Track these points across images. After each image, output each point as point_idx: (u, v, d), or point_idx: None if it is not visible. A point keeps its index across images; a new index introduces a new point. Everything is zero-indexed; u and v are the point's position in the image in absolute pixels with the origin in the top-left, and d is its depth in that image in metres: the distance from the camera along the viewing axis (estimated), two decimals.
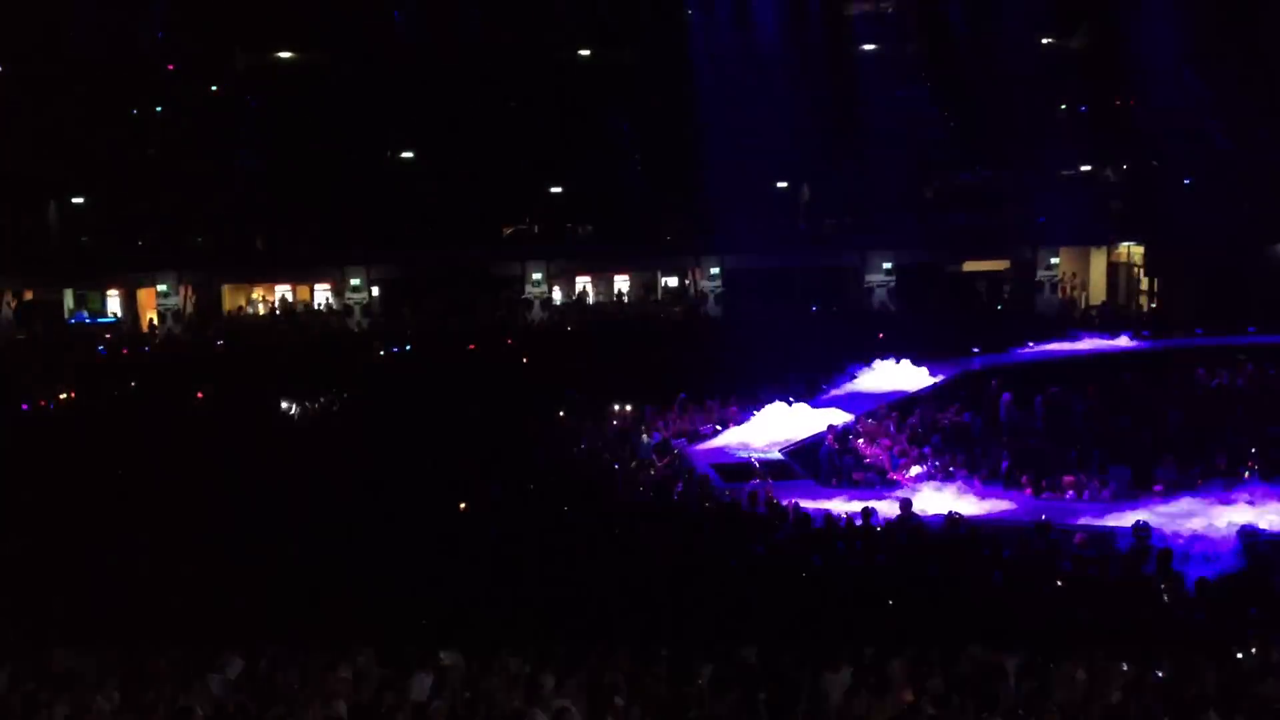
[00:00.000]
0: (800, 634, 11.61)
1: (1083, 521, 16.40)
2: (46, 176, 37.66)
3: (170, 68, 42.59)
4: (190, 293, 39.35)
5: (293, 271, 41.35)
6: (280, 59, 43.84)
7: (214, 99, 42.79)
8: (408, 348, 33.56)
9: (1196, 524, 15.82)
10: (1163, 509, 16.56)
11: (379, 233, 39.21)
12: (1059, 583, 13.86)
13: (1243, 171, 38.69)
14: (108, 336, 36.70)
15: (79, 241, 38.92)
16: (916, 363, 27.46)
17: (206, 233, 39.57)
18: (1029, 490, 18.69)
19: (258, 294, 42.50)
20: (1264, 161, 39.55)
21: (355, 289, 39.46)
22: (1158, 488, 17.96)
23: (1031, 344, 30.20)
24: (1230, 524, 15.44)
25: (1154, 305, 38.59)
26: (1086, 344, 29.98)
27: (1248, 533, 14.73)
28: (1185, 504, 16.83)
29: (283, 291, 42.31)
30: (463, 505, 17.29)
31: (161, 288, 38.34)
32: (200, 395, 26.39)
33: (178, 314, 38.41)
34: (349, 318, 39.10)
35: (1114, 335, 30.94)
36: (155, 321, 38.40)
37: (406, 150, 42.33)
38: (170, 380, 28.27)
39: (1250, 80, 41.65)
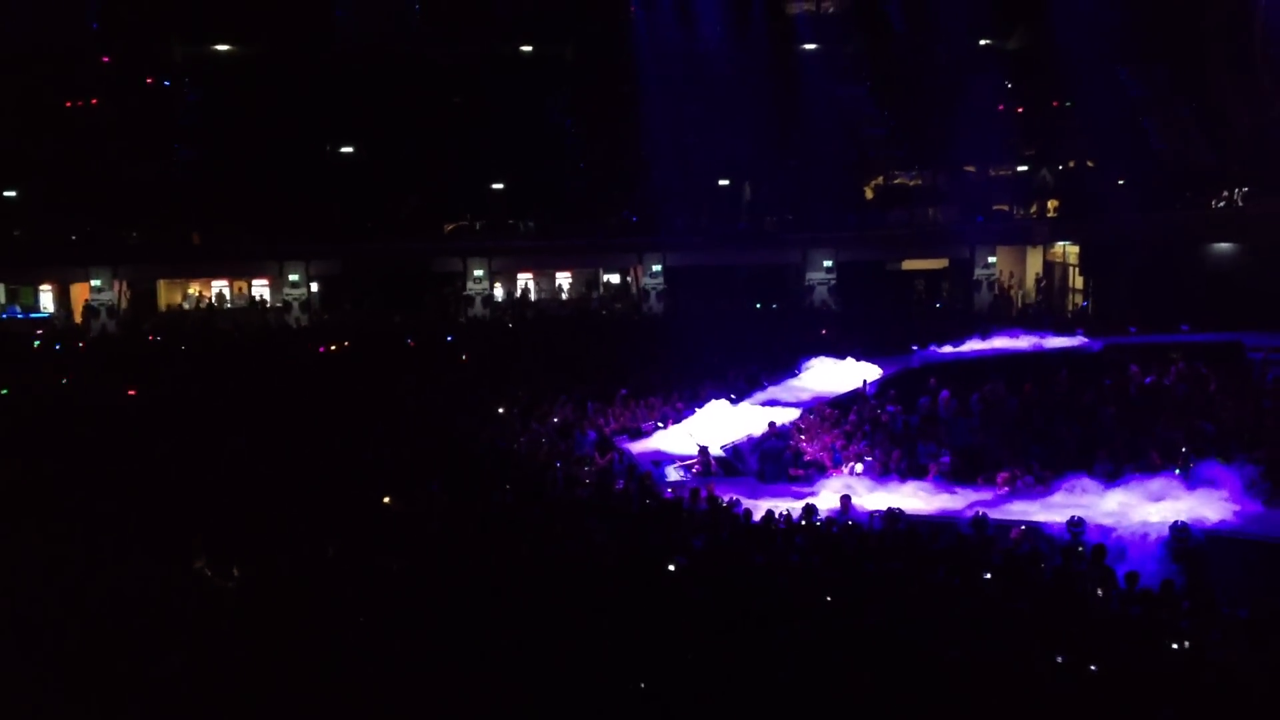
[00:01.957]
0: (741, 631, 11.64)
1: (1019, 517, 16.57)
2: None
3: (105, 59, 42.05)
4: (125, 288, 38.81)
5: (230, 267, 40.85)
6: (218, 51, 43.46)
7: (150, 91, 42.28)
8: (346, 344, 33.24)
9: (1129, 520, 16.08)
10: (1096, 505, 16.80)
11: (318, 228, 38.84)
12: (992, 577, 13.99)
13: (1176, 172, 39.34)
14: (39, 332, 36.10)
15: (11, 235, 38.17)
16: (858, 359, 27.67)
17: (142, 227, 38.95)
18: (966, 485, 18.86)
19: (194, 289, 41.98)
20: (1197, 162, 40.28)
21: (294, 284, 39.08)
22: (1092, 481, 18.14)
23: (968, 341, 30.44)
24: (1162, 520, 15.68)
25: (1086, 304, 39.07)
26: (1022, 341, 30.23)
27: (1179, 528, 14.95)
28: (1118, 499, 17.10)
29: (220, 287, 41.84)
30: (387, 500, 17.11)
31: (95, 282, 37.79)
32: (133, 392, 25.98)
33: (112, 309, 37.87)
34: (287, 314, 38.73)
35: (1054, 333, 31.18)
36: (90, 317, 37.83)
37: (347, 144, 42.02)
38: (103, 376, 27.81)
39: (1183, 81, 42.41)
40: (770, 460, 20.85)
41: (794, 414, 23.61)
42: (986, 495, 18.13)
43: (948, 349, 29.78)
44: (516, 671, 10.58)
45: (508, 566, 13.68)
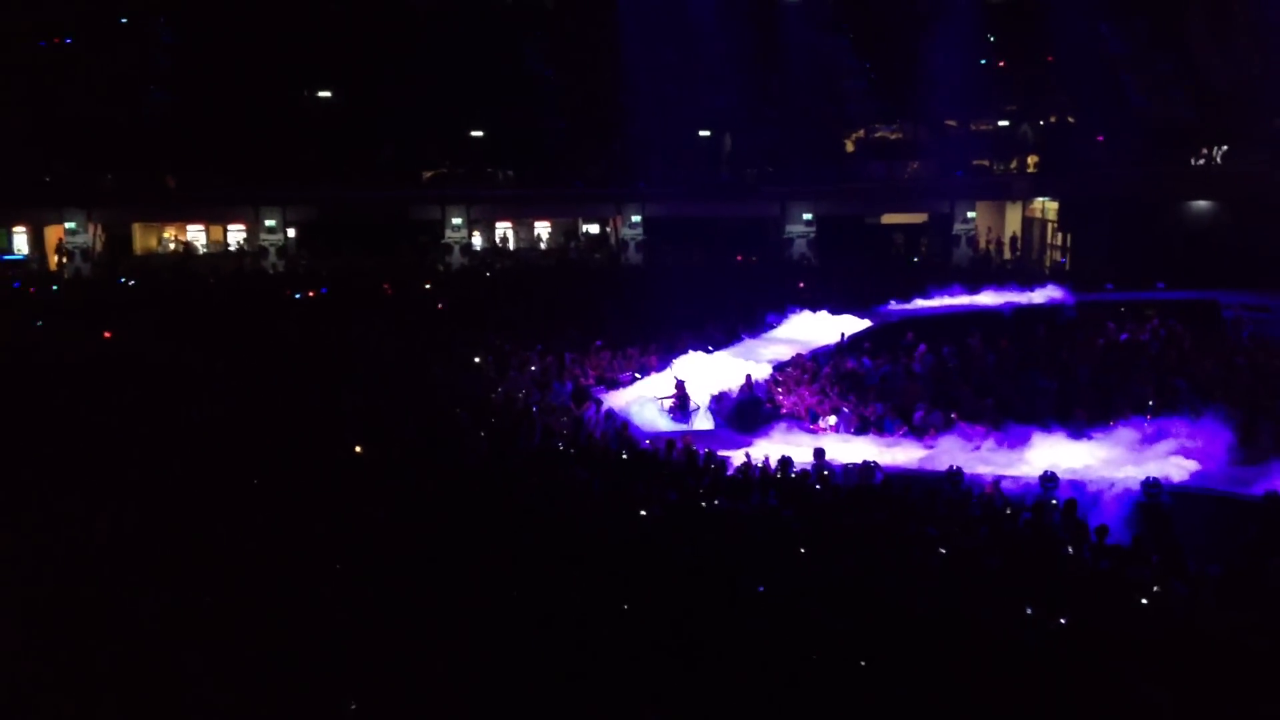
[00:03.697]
0: (714, 582, 11.71)
1: (992, 471, 16.68)
2: None
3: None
4: (100, 231, 38.48)
5: (206, 211, 40.53)
6: None
7: (125, 32, 41.68)
8: (323, 291, 33.09)
9: (1101, 474, 16.21)
10: (1069, 459, 16.93)
11: (295, 173, 38.51)
12: (965, 530, 14.09)
13: (1156, 129, 39.32)
14: (12, 273, 35.82)
15: None
16: (835, 313, 27.70)
17: (116, 170, 38.54)
18: (941, 439, 18.94)
19: (169, 234, 41.66)
20: (1177, 119, 40.25)
21: (270, 230, 38.80)
22: (1065, 435, 18.25)
23: (945, 296, 30.50)
24: (1133, 475, 15.82)
25: (1065, 260, 39.16)
26: (1004, 297, 30.27)
27: (1150, 484, 15.07)
28: (1090, 453, 17.24)
29: (195, 232, 41.54)
30: (358, 448, 17.10)
31: (70, 225, 37.44)
32: (107, 335, 25.83)
33: (87, 252, 37.56)
34: (264, 260, 38.48)
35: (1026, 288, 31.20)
36: (64, 260, 37.52)
37: (324, 89, 41.59)
38: (76, 321, 27.62)
39: (1164, 38, 42.31)
40: (745, 412, 20.91)
41: (769, 367, 23.67)
42: (961, 449, 18.20)
43: (925, 303, 29.85)
44: (495, 622, 10.62)
45: (483, 516, 13.70)
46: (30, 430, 17.49)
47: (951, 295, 30.51)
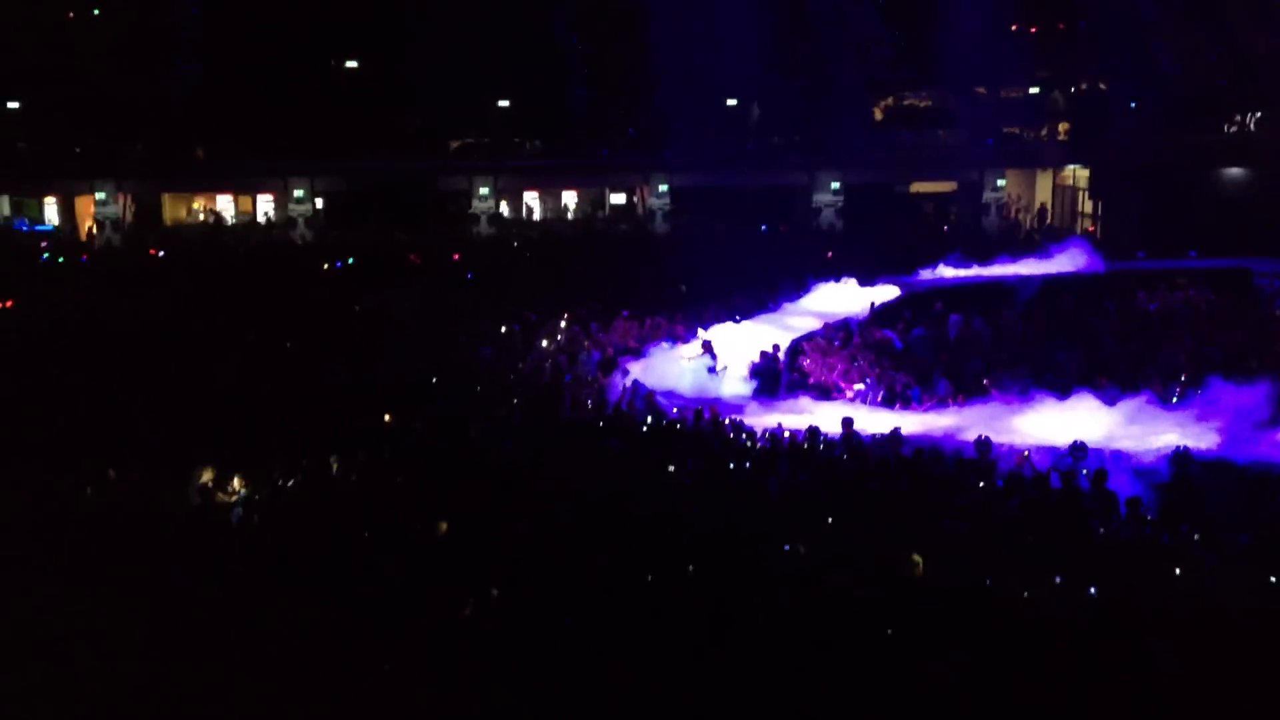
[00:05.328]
0: (741, 551, 11.74)
1: (1022, 440, 16.62)
2: None
3: None
4: (129, 201, 38.66)
5: (235, 182, 40.64)
6: None
7: (152, 3, 41.75)
8: (350, 261, 33.19)
9: (1131, 444, 16.13)
10: (1098, 428, 16.85)
11: (323, 144, 38.54)
12: (996, 501, 14.08)
13: (1188, 96, 38.92)
14: (44, 245, 36.06)
15: (15, 147, 37.94)
16: (864, 283, 27.58)
17: (146, 140, 38.67)
18: (969, 408, 18.88)
19: (199, 204, 41.84)
20: (1209, 86, 39.82)
21: (299, 201, 38.90)
22: (1096, 404, 18.14)
23: (975, 265, 30.32)
24: (1163, 444, 15.74)
25: (1094, 228, 38.86)
26: (1033, 266, 30.03)
27: (1179, 453, 15.00)
28: (1120, 423, 17.15)
29: (225, 202, 41.70)
30: (387, 418, 17.20)
31: (100, 196, 37.62)
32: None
33: (117, 223, 37.76)
34: (292, 230, 38.60)
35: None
36: (94, 230, 37.74)
37: (351, 60, 41.57)
38: (107, 290, 27.83)
39: (1197, 4, 41.81)
40: (769, 380, 20.92)
41: (797, 336, 23.64)
42: (990, 418, 18.14)
43: (954, 272, 29.69)
44: (521, 596, 10.67)
45: (513, 486, 13.77)
46: (59, 400, 17.69)
47: (980, 265, 30.30)
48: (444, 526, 12.16)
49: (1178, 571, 11.42)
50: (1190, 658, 9.51)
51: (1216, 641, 9.73)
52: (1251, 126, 36.00)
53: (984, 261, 30.41)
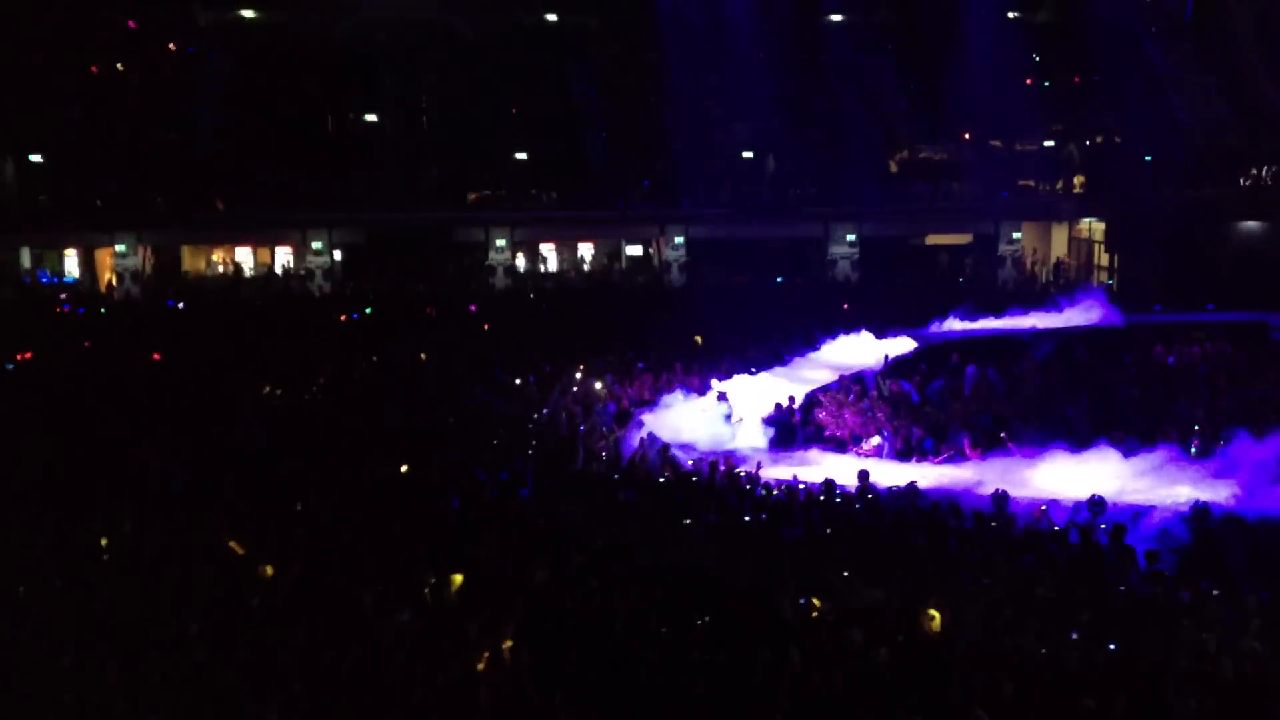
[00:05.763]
0: (760, 604, 11.69)
1: (1039, 494, 16.53)
2: (4, 134, 37.09)
3: (131, 24, 42.08)
4: (149, 253, 38.96)
5: (254, 233, 40.94)
6: (243, 17, 43.41)
7: (175, 56, 42.32)
8: (368, 312, 33.34)
9: (1147, 498, 16.03)
10: (1115, 483, 16.75)
11: (342, 197, 38.86)
12: (1013, 555, 13.98)
13: (1204, 149, 38.99)
14: (63, 297, 36.30)
15: (37, 200, 38.32)
16: (879, 335, 27.55)
17: (166, 193, 39.06)
18: (986, 461, 18.81)
19: (218, 255, 42.14)
20: (1225, 139, 39.90)
21: (317, 252, 39.15)
22: (1111, 458, 18.04)
23: (991, 318, 30.25)
24: (1181, 499, 15.63)
25: (1111, 282, 38.82)
26: (1049, 319, 29.95)
27: (1198, 508, 14.91)
28: (1137, 477, 17.04)
29: (243, 254, 41.99)
30: (404, 468, 17.20)
31: (120, 248, 37.91)
32: (156, 357, 26.16)
33: (136, 275, 38.02)
34: (310, 282, 38.82)
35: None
36: (114, 282, 38.00)
37: (370, 113, 42.00)
38: (126, 342, 27.99)
39: (1212, 57, 42.01)
40: (784, 432, 20.90)
41: (812, 388, 23.61)
42: (1007, 472, 18.05)
43: (970, 325, 29.62)
44: (536, 644, 10.64)
45: (527, 539, 13.74)
46: (76, 449, 17.74)
47: (997, 317, 30.24)
48: (458, 579, 12.12)
49: (1195, 627, 11.31)
50: (1209, 714, 9.41)
51: (1235, 698, 9.63)
52: (1267, 180, 35.97)
53: (997, 314, 30.34)
